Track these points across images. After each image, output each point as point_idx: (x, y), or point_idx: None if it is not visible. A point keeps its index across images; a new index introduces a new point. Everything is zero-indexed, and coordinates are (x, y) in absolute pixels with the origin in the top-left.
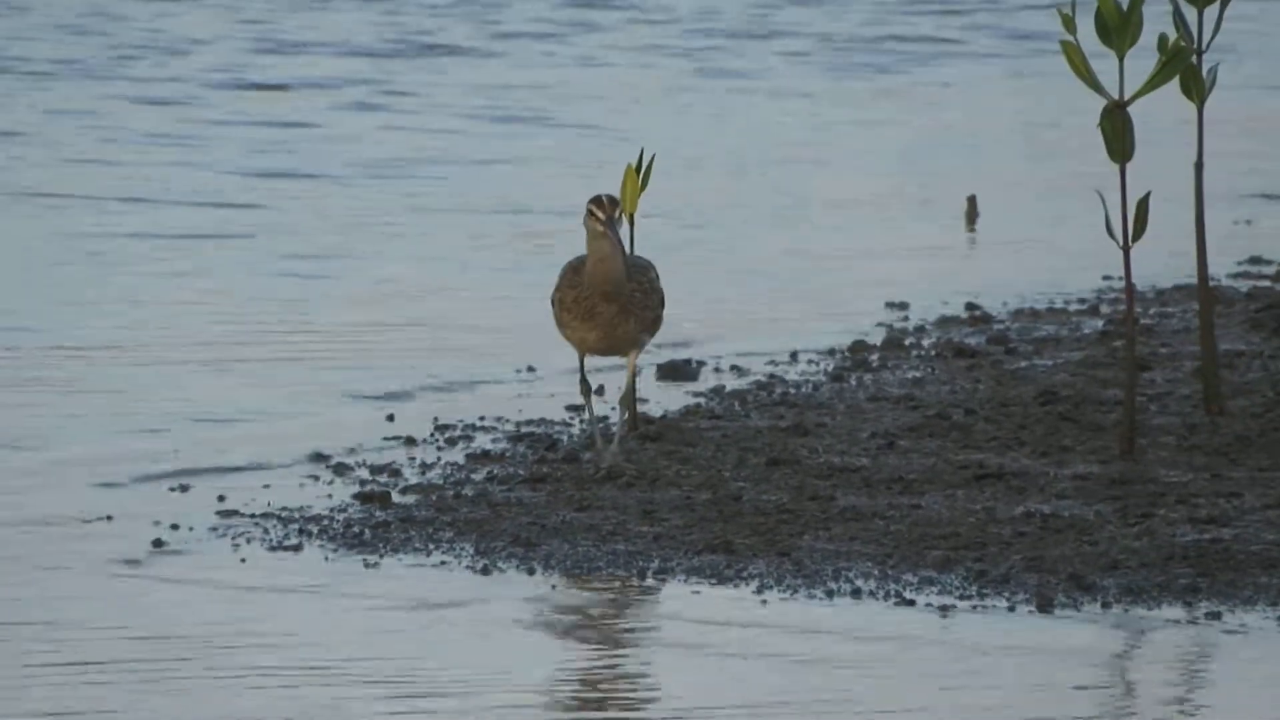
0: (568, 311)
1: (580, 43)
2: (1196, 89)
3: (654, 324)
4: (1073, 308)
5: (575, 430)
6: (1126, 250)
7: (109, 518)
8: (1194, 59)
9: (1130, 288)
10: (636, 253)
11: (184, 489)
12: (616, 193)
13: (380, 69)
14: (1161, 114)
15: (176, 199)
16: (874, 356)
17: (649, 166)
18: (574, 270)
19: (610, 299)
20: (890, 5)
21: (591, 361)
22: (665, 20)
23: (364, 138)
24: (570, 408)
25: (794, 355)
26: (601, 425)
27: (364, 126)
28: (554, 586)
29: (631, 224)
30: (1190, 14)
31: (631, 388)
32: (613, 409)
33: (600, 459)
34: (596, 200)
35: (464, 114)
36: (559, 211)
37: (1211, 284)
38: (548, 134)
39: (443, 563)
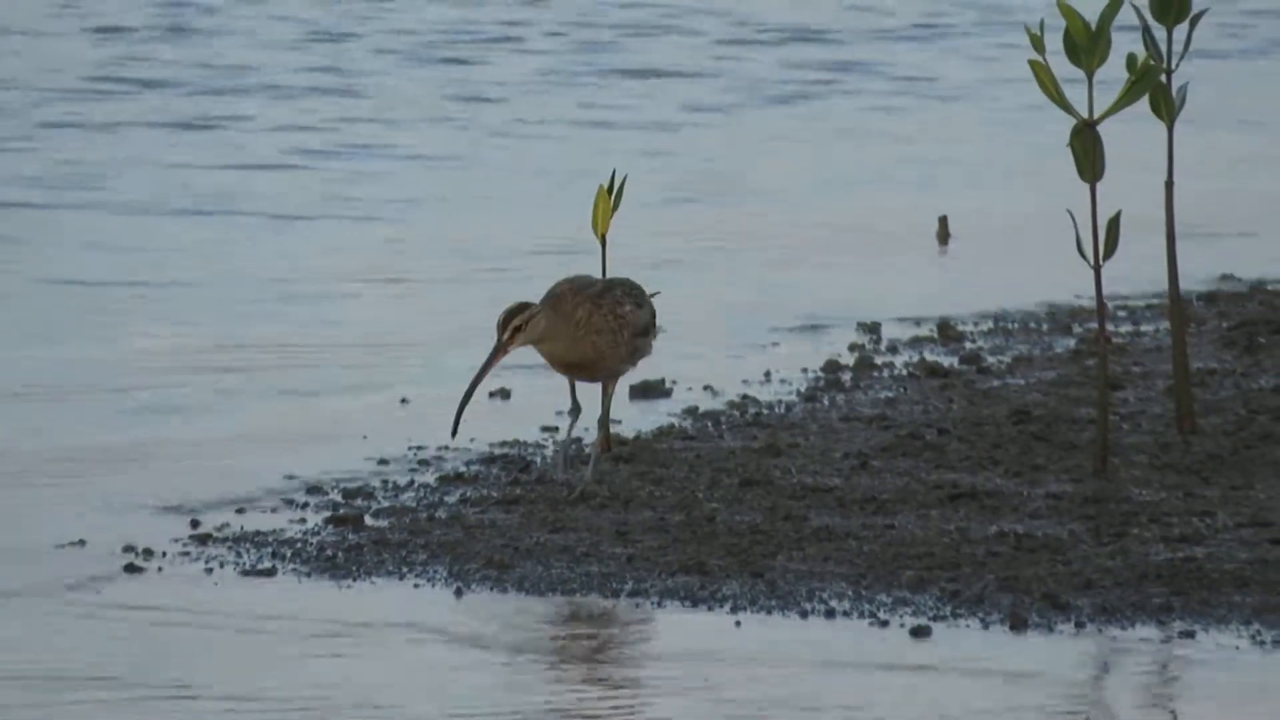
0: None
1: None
2: (1166, 107)
3: (632, 354)
4: (1045, 327)
5: (549, 451)
6: (1097, 269)
7: (81, 542)
8: (1163, 77)
9: (1102, 306)
10: (613, 273)
11: (156, 512)
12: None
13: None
14: (1132, 132)
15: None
16: (847, 376)
17: (620, 188)
18: (536, 308)
19: (574, 344)
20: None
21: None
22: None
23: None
24: (544, 429)
25: (767, 375)
26: (574, 447)
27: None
28: (527, 609)
29: (604, 245)
30: (1160, 33)
31: (607, 411)
32: (586, 429)
33: (571, 481)
34: (504, 314)
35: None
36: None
37: (1183, 302)
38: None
39: (416, 585)
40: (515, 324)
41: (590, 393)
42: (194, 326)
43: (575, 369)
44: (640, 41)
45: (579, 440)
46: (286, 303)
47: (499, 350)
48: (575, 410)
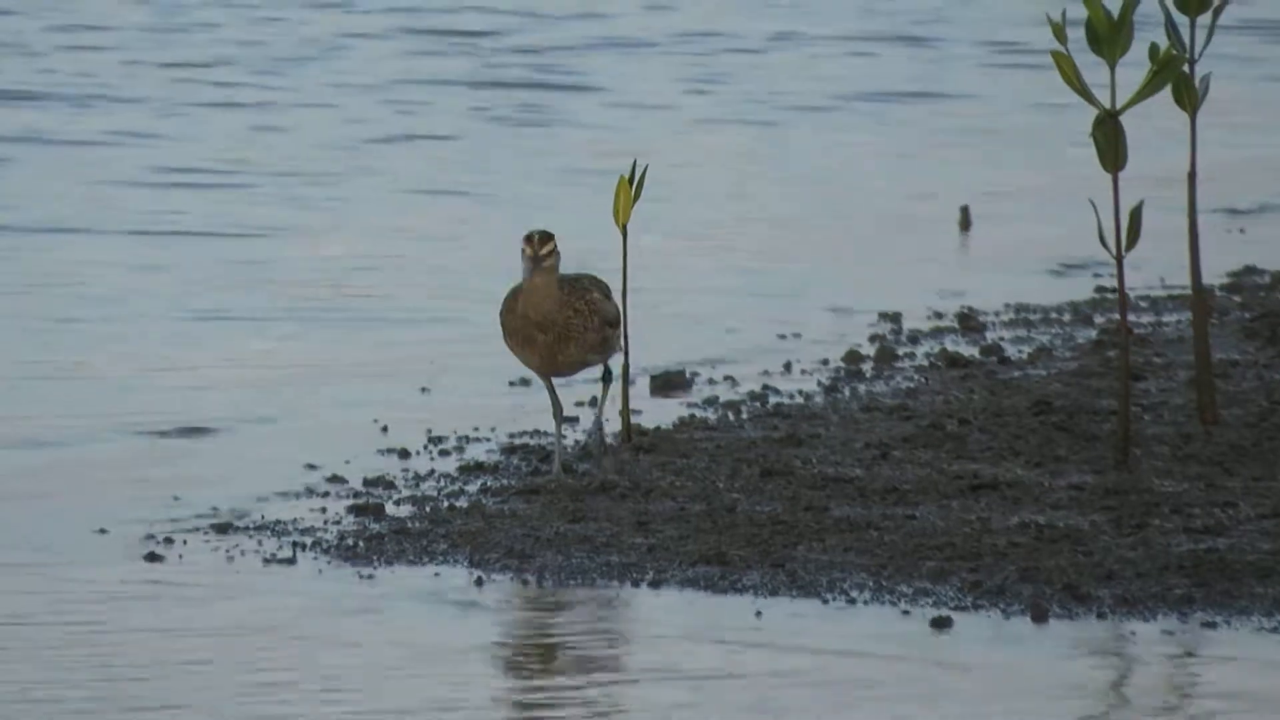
0: (510, 337)
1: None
2: (1189, 98)
3: (600, 345)
4: (1066, 317)
5: (569, 441)
6: (1119, 259)
7: (103, 530)
8: (1186, 68)
9: (1124, 297)
10: (629, 264)
11: (176, 500)
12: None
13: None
14: (1156, 122)
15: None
16: (867, 367)
17: (642, 178)
18: (514, 296)
19: (545, 328)
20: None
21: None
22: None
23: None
24: (564, 419)
25: (787, 366)
26: (595, 438)
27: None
28: (548, 598)
29: (625, 235)
30: (1182, 22)
31: (605, 404)
32: (592, 423)
33: (553, 470)
34: (527, 236)
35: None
36: None
37: (1205, 293)
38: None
39: (436, 574)
40: (550, 246)
41: (586, 383)
42: (212, 321)
43: (541, 354)
44: (687, 43)
45: (597, 431)
46: (301, 296)
47: (536, 262)
48: (558, 410)
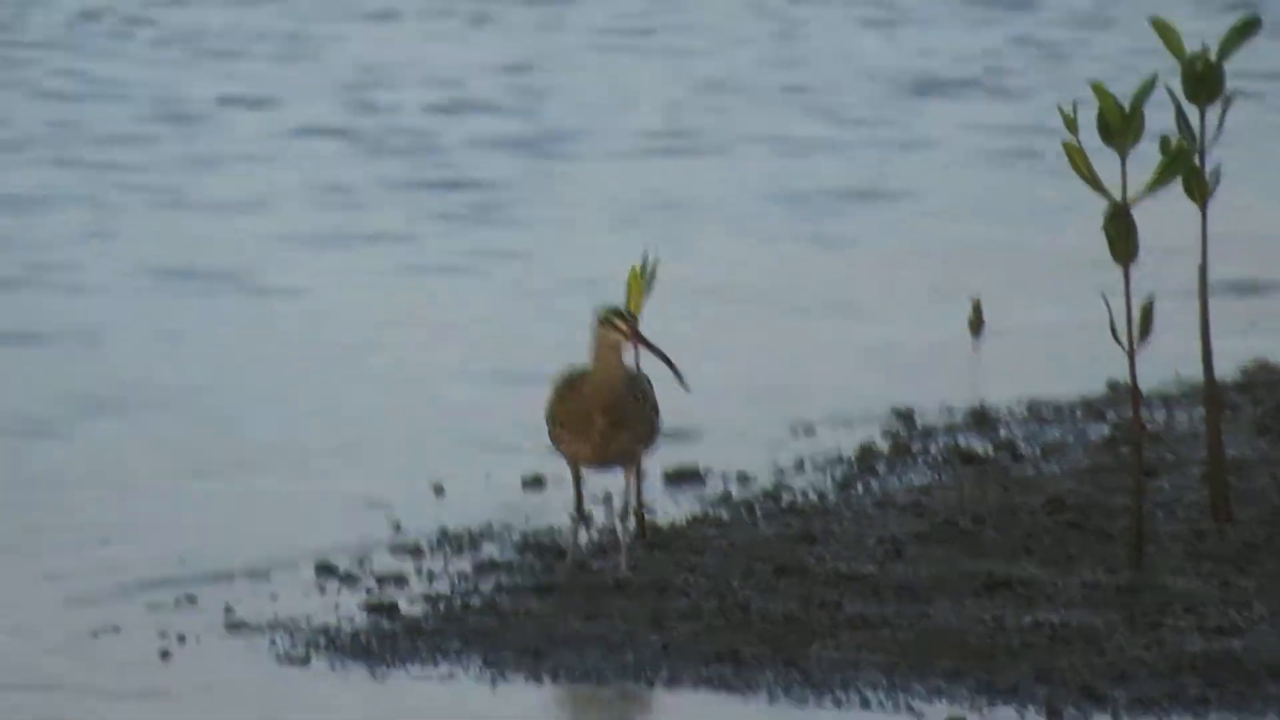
0: (561, 426)
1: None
2: (1199, 189)
3: (649, 436)
4: (1079, 413)
5: (583, 539)
6: (1131, 354)
7: (116, 629)
8: (1196, 159)
9: (1136, 393)
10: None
11: (190, 600)
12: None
13: None
14: (1166, 213)
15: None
16: (881, 463)
17: (654, 269)
18: (567, 384)
19: (609, 411)
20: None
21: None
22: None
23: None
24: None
25: (801, 462)
26: (610, 535)
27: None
28: (562, 698)
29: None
30: (1193, 113)
31: (631, 499)
32: (619, 520)
33: (564, 568)
34: (617, 313)
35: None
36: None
37: (1218, 389)
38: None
39: (450, 674)
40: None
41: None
42: (219, 420)
43: (597, 443)
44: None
45: (612, 529)
46: (318, 394)
47: (636, 334)
48: (580, 513)
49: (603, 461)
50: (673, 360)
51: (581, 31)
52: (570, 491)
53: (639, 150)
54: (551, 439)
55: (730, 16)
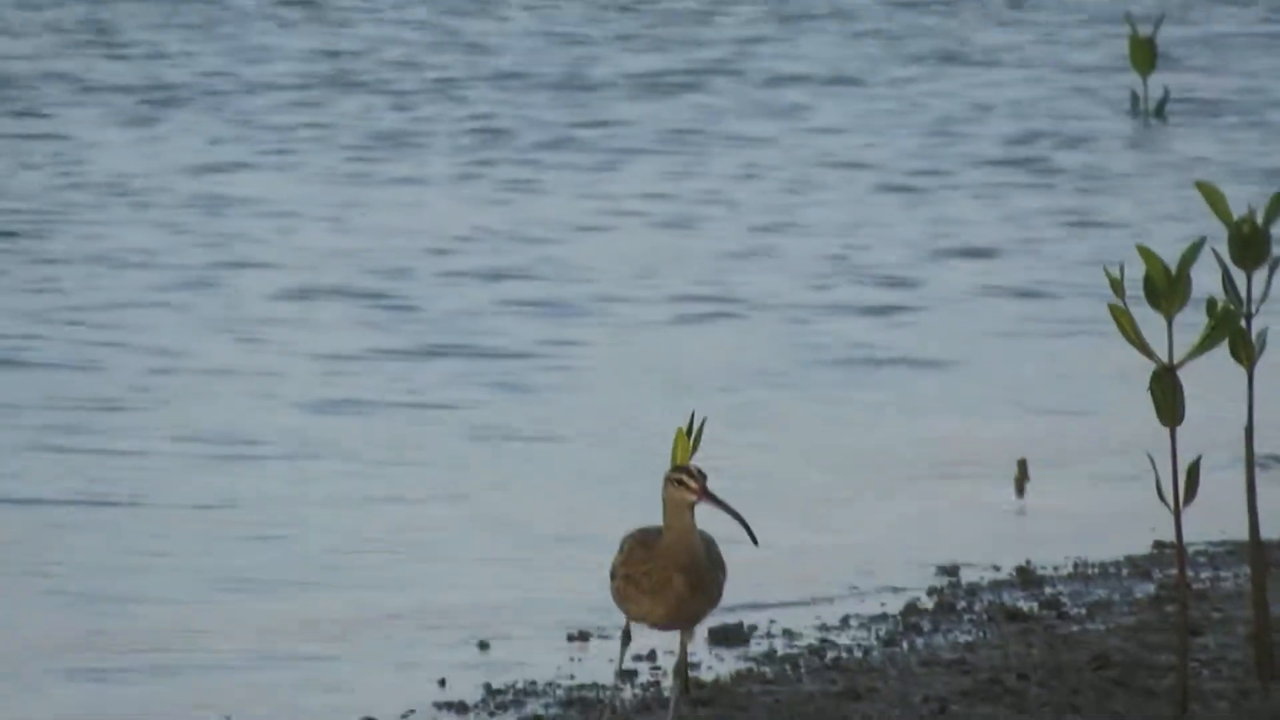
0: (635, 586)
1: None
2: (1245, 352)
3: (718, 598)
4: (1125, 571)
5: (626, 695)
6: (1177, 514)
7: None
8: (1242, 322)
9: (1181, 551)
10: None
11: None
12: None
13: None
14: (1211, 374)
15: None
16: (925, 621)
17: (700, 430)
18: (641, 544)
19: (688, 572)
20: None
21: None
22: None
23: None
24: (621, 674)
25: (845, 619)
26: (653, 691)
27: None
28: None
29: None
30: (1239, 276)
31: (684, 657)
32: (664, 674)
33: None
34: (686, 471)
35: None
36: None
37: (1264, 547)
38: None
39: None
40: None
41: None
42: (259, 580)
43: (670, 605)
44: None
45: (657, 684)
46: (361, 557)
47: (706, 492)
48: (627, 639)
49: (673, 623)
50: (743, 517)
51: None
52: (616, 646)
53: (673, 316)
54: (618, 597)
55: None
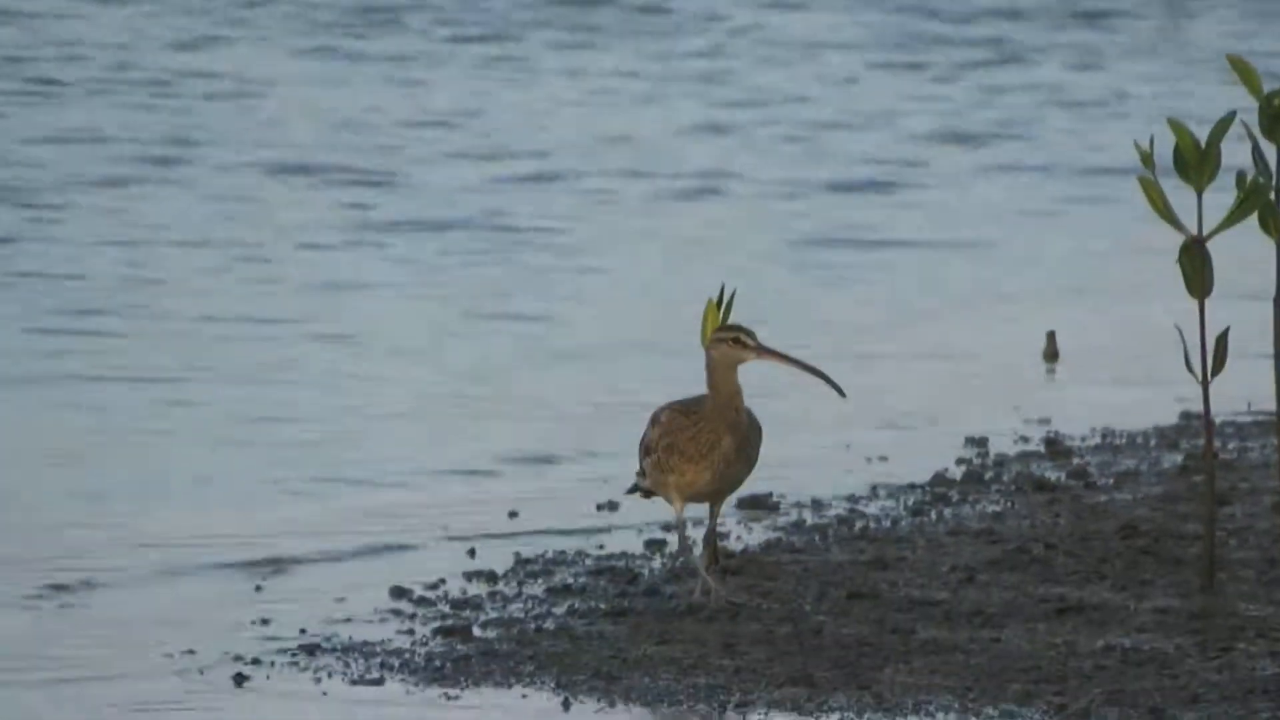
0: (678, 454)
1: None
2: (1275, 224)
3: (755, 463)
4: (1152, 442)
5: (655, 564)
6: (1205, 385)
7: (191, 651)
8: (1272, 195)
9: (1209, 422)
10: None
11: (264, 622)
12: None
13: None
14: (1242, 248)
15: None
16: (953, 491)
17: (730, 302)
18: (681, 413)
19: (735, 431)
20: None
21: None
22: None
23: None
24: (650, 542)
25: (874, 489)
26: (682, 560)
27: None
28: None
29: None
30: (1269, 150)
31: (714, 527)
32: (693, 543)
33: (713, 597)
34: (739, 329)
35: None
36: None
37: None
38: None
39: (524, 696)
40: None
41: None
42: (291, 446)
43: (717, 467)
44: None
45: (685, 555)
46: (385, 419)
47: (764, 349)
48: (688, 544)
49: (718, 488)
50: (817, 368)
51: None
52: (643, 514)
53: (686, 191)
54: (658, 469)
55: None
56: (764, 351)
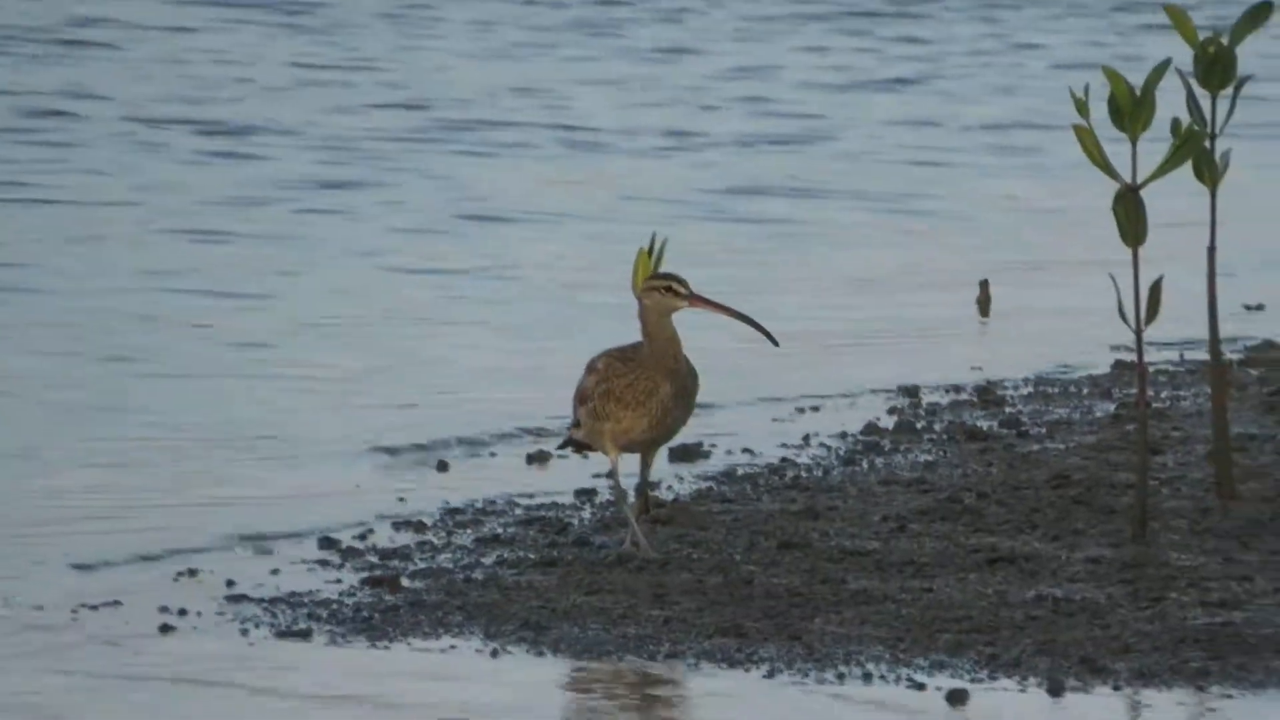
0: (616, 401)
1: None
2: (1209, 173)
3: (691, 410)
4: (1085, 391)
5: (585, 514)
6: (1139, 333)
7: (116, 602)
8: (1207, 143)
9: (1143, 371)
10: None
11: (192, 573)
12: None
13: None
14: (1177, 196)
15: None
16: (886, 440)
17: (661, 251)
18: (618, 359)
19: (674, 378)
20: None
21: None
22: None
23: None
24: (580, 492)
25: (806, 438)
26: (614, 510)
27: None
28: (563, 671)
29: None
30: (1204, 98)
31: (646, 476)
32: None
33: (641, 549)
34: (670, 277)
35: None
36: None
37: (1224, 367)
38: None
39: (452, 646)
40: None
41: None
42: (219, 397)
43: (656, 414)
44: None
45: (615, 504)
46: (321, 370)
47: (698, 296)
48: (623, 491)
49: (653, 437)
50: (749, 316)
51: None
52: (573, 468)
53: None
54: (594, 416)
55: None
56: (696, 299)
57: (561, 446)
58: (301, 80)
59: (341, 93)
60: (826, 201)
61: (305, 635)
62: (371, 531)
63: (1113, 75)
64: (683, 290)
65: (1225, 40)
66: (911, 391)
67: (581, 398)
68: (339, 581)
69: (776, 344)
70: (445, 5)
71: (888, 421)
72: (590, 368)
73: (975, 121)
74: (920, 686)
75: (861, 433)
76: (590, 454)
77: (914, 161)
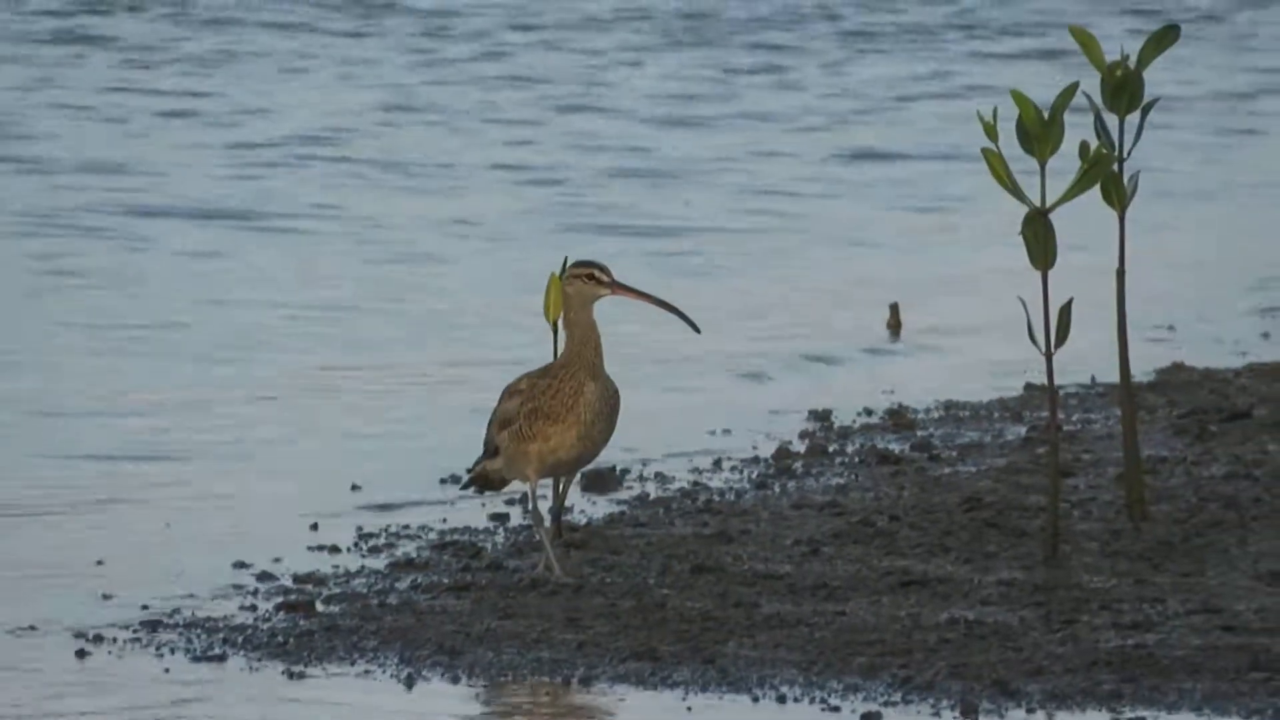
0: (542, 417)
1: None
2: (1118, 196)
3: (613, 428)
4: (996, 414)
5: (499, 538)
6: (1049, 356)
7: (32, 627)
8: (1115, 166)
9: (1053, 394)
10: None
11: (106, 598)
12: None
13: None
14: (1087, 220)
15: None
16: (798, 464)
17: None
18: (539, 375)
19: (597, 376)
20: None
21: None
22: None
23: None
24: (494, 516)
25: (718, 463)
26: (525, 534)
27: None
28: (478, 695)
29: (555, 332)
30: (1112, 122)
31: (561, 501)
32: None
33: (555, 575)
34: (593, 264)
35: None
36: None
37: (1134, 390)
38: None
39: (367, 672)
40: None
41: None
42: (134, 418)
43: (585, 426)
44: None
45: (529, 528)
46: (237, 392)
47: (620, 285)
48: (539, 515)
49: (580, 453)
50: (671, 304)
51: None
52: (491, 494)
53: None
54: (518, 441)
55: None
56: (619, 287)
57: (464, 486)
58: None
59: None
60: (722, 233)
61: (220, 660)
62: (285, 556)
63: (1020, 98)
64: (605, 278)
65: (1132, 63)
66: (823, 415)
67: (502, 424)
68: (254, 607)
69: (699, 331)
70: None
71: (799, 445)
72: (510, 392)
73: (849, 149)
74: (835, 709)
75: (773, 457)
76: (491, 494)
77: (813, 181)
